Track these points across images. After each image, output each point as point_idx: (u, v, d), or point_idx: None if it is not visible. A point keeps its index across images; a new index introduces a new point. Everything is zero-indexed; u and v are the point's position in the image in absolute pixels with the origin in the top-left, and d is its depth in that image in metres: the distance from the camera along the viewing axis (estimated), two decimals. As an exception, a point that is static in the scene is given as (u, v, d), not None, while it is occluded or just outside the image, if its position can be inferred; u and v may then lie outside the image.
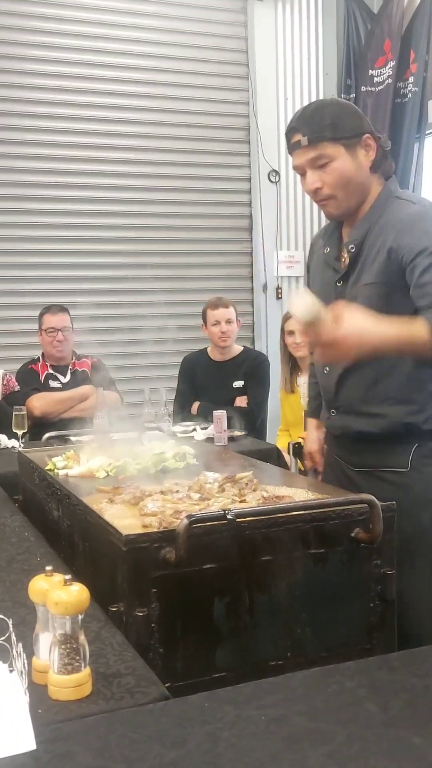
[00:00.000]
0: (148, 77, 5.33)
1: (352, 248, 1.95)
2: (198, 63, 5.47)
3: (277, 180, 5.73)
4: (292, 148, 1.93)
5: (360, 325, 1.69)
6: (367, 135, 1.90)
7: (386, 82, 5.38)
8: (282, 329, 4.14)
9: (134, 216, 5.33)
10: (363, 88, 5.60)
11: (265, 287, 5.73)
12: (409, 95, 5.23)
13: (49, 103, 5.08)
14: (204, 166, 5.53)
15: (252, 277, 5.78)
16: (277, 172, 5.71)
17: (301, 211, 5.84)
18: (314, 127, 1.86)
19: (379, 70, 5.49)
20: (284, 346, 4.11)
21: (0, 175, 4.99)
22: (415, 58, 5.19)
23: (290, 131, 1.94)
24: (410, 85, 5.24)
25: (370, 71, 5.54)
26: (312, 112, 1.90)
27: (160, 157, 5.37)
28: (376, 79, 5.50)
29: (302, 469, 3.39)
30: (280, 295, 5.76)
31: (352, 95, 5.75)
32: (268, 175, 5.70)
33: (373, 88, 5.52)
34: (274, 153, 5.68)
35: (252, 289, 5.79)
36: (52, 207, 5.10)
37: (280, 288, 5.77)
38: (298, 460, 3.43)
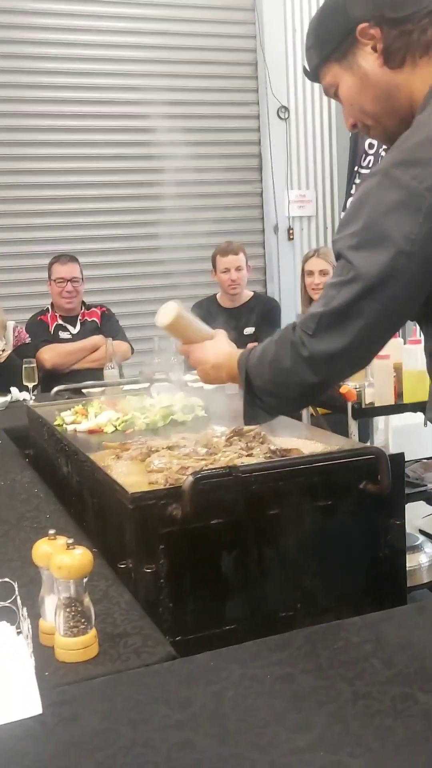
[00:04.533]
0: (150, 12, 5.15)
1: None
2: (202, -5, 5.28)
3: (286, 116, 5.57)
4: None
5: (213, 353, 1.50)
6: (363, 25, 1.28)
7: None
8: (302, 270, 4.09)
9: (141, 159, 5.21)
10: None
11: (276, 228, 5.63)
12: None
13: (53, 44, 4.94)
14: (210, 105, 5.38)
15: (263, 218, 5.68)
16: (286, 108, 5.55)
17: (312, 148, 5.69)
18: (306, 56, 1.42)
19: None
20: (304, 287, 4.07)
21: (4, 120, 4.89)
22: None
23: None
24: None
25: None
26: (306, 34, 1.43)
27: (164, 97, 5.22)
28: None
29: (314, 414, 3.38)
30: (292, 236, 5.66)
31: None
32: (277, 111, 5.54)
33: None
34: (282, 88, 5.51)
35: (263, 231, 5.69)
36: (58, 152, 5.01)
37: (292, 228, 5.67)
38: (311, 406, 3.41)
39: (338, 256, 1.23)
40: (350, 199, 1.23)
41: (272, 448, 1.71)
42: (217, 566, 1.53)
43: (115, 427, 2.11)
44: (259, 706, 0.99)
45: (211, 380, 1.55)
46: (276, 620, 1.54)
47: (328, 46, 1.34)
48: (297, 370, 1.26)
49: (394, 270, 1.15)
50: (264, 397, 1.35)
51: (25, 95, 4.93)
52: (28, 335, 3.95)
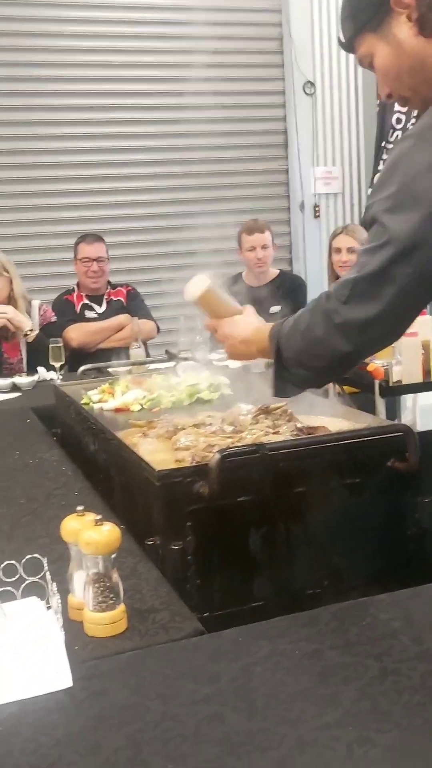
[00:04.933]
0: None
1: None
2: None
3: (312, 92, 5.49)
4: None
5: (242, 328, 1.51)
6: None
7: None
8: (329, 247, 4.06)
9: (165, 137, 5.18)
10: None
11: (302, 206, 5.57)
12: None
13: (78, 21, 4.91)
14: (235, 81, 5.30)
15: (288, 195, 5.62)
16: (312, 84, 5.47)
17: (338, 123, 5.60)
18: (342, 27, 1.42)
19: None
20: (331, 265, 4.04)
21: (30, 100, 4.88)
22: None
23: None
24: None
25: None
26: (342, 5, 1.43)
27: (188, 73, 5.16)
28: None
29: (339, 392, 3.36)
30: (317, 214, 5.60)
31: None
32: (303, 86, 5.46)
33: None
34: (308, 63, 5.42)
35: (289, 209, 5.63)
36: (84, 131, 4.99)
37: (318, 206, 5.61)
38: (337, 384, 3.39)
39: (373, 221, 1.21)
40: (383, 164, 1.22)
41: (299, 425, 1.71)
42: (244, 543, 1.53)
43: (142, 405, 2.12)
44: (288, 682, 0.99)
45: (240, 355, 1.55)
46: (303, 598, 1.54)
47: (363, 16, 1.34)
48: (329, 338, 1.25)
49: (425, 233, 1.13)
50: (293, 368, 1.33)
51: (43, 74, 4.91)
52: (53, 314, 3.96)
